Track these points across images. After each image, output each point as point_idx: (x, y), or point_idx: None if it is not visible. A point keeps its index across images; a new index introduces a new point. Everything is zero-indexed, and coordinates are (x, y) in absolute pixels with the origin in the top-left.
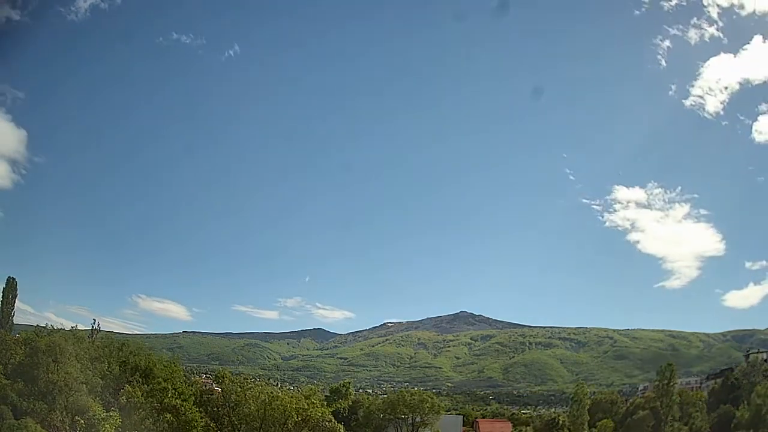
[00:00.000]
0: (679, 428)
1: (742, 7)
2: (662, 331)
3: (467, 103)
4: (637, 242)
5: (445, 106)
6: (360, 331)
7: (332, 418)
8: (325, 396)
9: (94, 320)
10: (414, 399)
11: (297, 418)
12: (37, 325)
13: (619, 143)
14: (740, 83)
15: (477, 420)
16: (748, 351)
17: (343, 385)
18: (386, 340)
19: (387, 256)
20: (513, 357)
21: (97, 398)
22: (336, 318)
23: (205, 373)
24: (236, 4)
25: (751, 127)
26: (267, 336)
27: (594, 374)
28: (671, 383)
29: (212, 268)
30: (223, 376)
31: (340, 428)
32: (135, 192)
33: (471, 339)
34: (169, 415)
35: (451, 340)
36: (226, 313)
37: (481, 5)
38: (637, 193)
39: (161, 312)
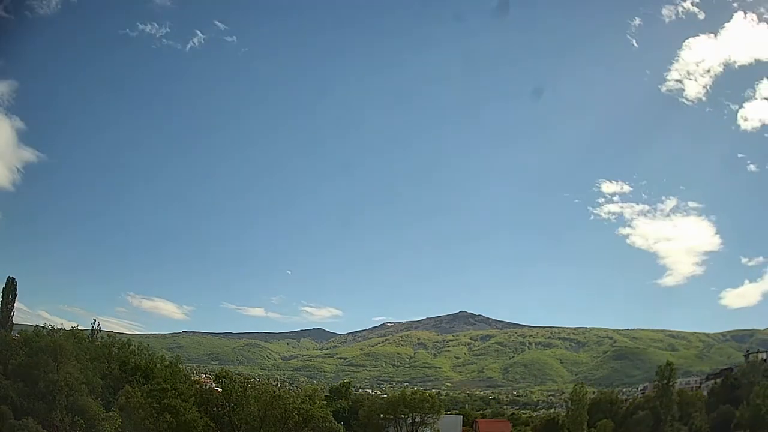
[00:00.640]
0: (679, 428)
1: None
2: (662, 331)
3: (467, 102)
4: (627, 237)
5: (444, 105)
6: (360, 331)
7: (332, 418)
8: (325, 396)
9: (94, 320)
10: (414, 399)
11: (298, 418)
12: (37, 325)
13: (598, 136)
14: (723, 65)
15: (477, 420)
16: (747, 351)
17: (343, 385)
18: (386, 340)
19: (387, 256)
20: (513, 357)
21: (98, 398)
22: (336, 318)
23: (205, 373)
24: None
25: (737, 114)
26: (267, 336)
27: (594, 374)
28: (671, 383)
29: (211, 267)
30: (224, 376)
31: (340, 428)
32: (132, 191)
33: (471, 339)
34: (168, 416)
35: (450, 340)
36: (225, 313)
37: (481, 5)
38: (621, 187)
39: (157, 311)
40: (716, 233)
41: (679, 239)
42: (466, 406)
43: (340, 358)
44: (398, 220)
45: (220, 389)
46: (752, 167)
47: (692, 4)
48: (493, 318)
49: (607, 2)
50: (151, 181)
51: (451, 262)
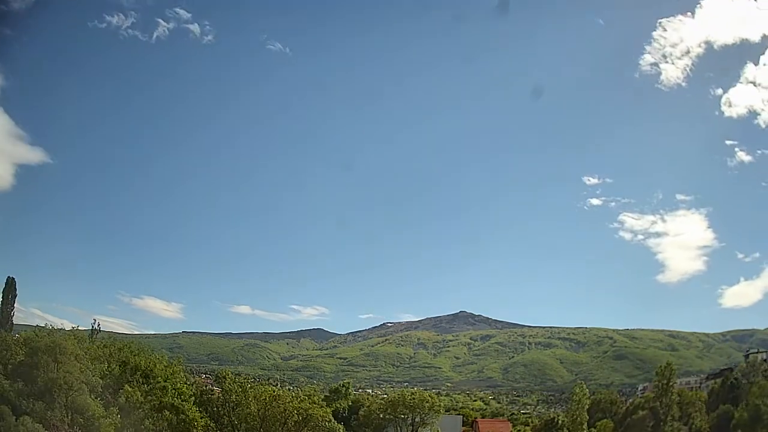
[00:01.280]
0: (679, 428)
1: None
2: (662, 331)
3: (466, 101)
4: (616, 232)
5: (443, 104)
6: (359, 331)
7: (332, 418)
8: (325, 396)
9: (94, 320)
10: (414, 399)
11: (298, 417)
12: (37, 325)
13: (575, 126)
14: (703, 45)
15: (476, 420)
16: (747, 351)
17: (343, 385)
18: (386, 340)
19: (386, 255)
20: (512, 357)
21: (97, 398)
22: (336, 318)
23: (205, 373)
24: None
25: (721, 99)
26: (266, 336)
27: (593, 374)
28: (671, 383)
29: (211, 267)
30: (224, 376)
31: (340, 428)
32: (128, 189)
33: (470, 339)
34: (168, 415)
35: (450, 340)
36: (225, 313)
37: (481, 5)
38: (603, 180)
39: (156, 311)
40: (708, 227)
41: (670, 234)
42: (466, 406)
43: (340, 358)
44: (398, 219)
45: (219, 389)
46: (742, 155)
47: None
48: (493, 318)
49: None
50: (147, 178)
51: (451, 261)
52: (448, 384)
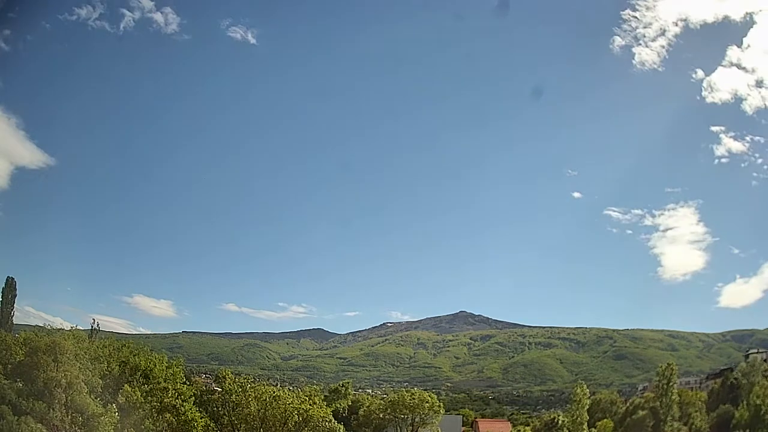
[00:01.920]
0: (679, 428)
1: None
2: (662, 331)
3: (465, 100)
4: (605, 225)
5: (443, 103)
6: (359, 331)
7: (332, 418)
8: (325, 396)
9: (94, 320)
10: (414, 399)
11: (298, 418)
12: (37, 325)
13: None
14: (680, 24)
15: (476, 420)
16: (747, 351)
17: (343, 385)
18: (386, 340)
19: (386, 255)
20: (512, 357)
21: (97, 398)
22: (335, 318)
23: (205, 373)
24: None
25: (702, 83)
26: (266, 336)
27: (593, 374)
28: (671, 383)
29: (211, 267)
30: (224, 376)
31: (339, 428)
32: (126, 189)
33: (470, 339)
34: (168, 415)
35: (450, 340)
36: (225, 313)
37: (481, 5)
38: (578, 172)
39: (156, 310)
40: (699, 221)
41: (660, 228)
42: (466, 406)
43: (340, 358)
44: (397, 219)
45: (219, 389)
46: (729, 141)
47: None
48: (493, 318)
49: None
50: (148, 180)
51: (450, 261)
52: (448, 384)
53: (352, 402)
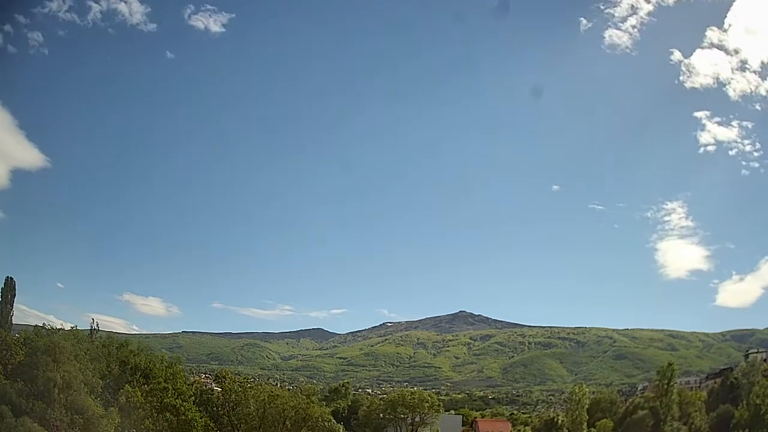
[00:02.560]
0: (679, 428)
1: None
2: (661, 330)
3: (466, 100)
4: (593, 222)
5: (444, 104)
6: (359, 331)
7: (331, 417)
8: (325, 396)
9: (93, 320)
10: (414, 399)
11: (296, 417)
12: (36, 325)
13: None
14: (652, 2)
15: (476, 420)
16: (747, 351)
17: (343, 385)
18: (385, 339)
19: (386, 255)
20: (512, 357)
21: (97, 398)
22: (335, 318)
23: (205, 373)
24: None
25: (680, 66)
26: (266, 336)
27: (593, 374)
28: (671, 383)
29: (211, 266)
30: (224, 376)
31: (339, 428)
32: (127, 189)
33: (470, 339)
34: (168, 415)
35: (450, 340)
36: (225, 313)
37: (481, 5)
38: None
39: (156, 310)
40: (688, 215)
41: (650, 223)
42: (466, 406)
43: (340, 358)
44: (397, 219)
45: (219, 389)
46: (713, 127)
47: None
48: (493, 318)
49: None
50: (146, 180)
51: (450, 261)
52: (448, 384)
53: (352, 402)
